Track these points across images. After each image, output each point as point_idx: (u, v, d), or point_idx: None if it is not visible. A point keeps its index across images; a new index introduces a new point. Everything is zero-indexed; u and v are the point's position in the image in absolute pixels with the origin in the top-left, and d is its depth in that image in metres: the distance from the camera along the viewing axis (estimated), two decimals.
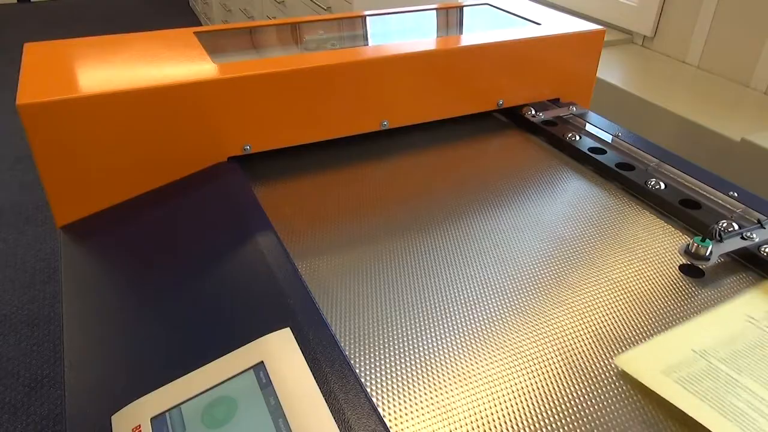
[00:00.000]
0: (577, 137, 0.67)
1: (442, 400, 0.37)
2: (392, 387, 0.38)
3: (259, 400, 0.34)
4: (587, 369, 0.40)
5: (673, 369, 0.38)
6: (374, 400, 0.37)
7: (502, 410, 0.37)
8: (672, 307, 0.45)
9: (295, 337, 0.37)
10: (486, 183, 0.61)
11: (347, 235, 0.52)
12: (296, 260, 0.49)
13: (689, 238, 0.53)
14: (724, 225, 0.52)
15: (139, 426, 0.34)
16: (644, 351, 0.40)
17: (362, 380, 0.38)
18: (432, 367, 0.39)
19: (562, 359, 0.40)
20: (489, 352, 0.41)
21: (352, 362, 0.39)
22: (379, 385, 0.38)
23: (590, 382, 0.39)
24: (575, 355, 0.41)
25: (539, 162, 0.65)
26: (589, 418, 0.36)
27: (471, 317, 0.43)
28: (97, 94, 0.51)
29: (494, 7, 0.85)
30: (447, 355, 0.40)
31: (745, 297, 0.45)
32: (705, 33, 0.98)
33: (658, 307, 0.45)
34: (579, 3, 1.22)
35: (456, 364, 0.40)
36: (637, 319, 0.44)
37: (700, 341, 0.40)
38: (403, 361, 0.40)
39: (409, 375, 0.39)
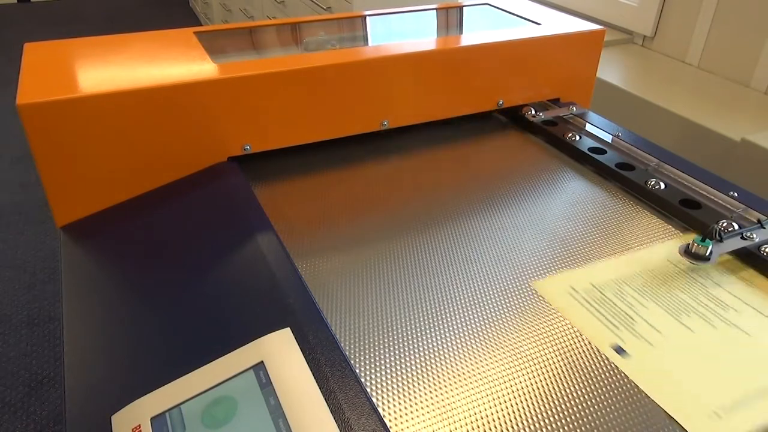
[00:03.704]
0: (577, 137, 0.67)
1: (442, 400, 0.37)
2: (392, 387, 0.38)
3: (259, 400, 0.34)
4: (587, 369, 0.40)
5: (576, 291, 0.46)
6: (374, 400, 0.37)
7: (502, 410, 0.37)
8: None
9: (295, 337, 0.37)
10: (486, 183, 0.61)
11: (347, 235, 0.52)
12: (296, 260, 0.49)
13: (689, 238, 0.53)
14: (724, 225, 0.52)
15: (139, 426, 0.34)
16: (557, 278, 0.48)
17: (362, 380, 0.38)
18: (432, 367, 0.39)
19: (562, 359, 0.40)
20: (489, 352, 0.41)
21: (352, 362, 0.39)
22: (379, 385, 0.38)
23: (590, 382, 0.39)
24: (575, 355, 0.41)
25: (539, 162, 0.65)
26: (589, 418, 0.36)
27: (471, 317, 0.43)
28: (97, 94, 0.51)
29: (494, 7, 0.85)
30: (447, 355, 0.40)
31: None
32: (705, 33, 0.98)
33: None
34: (579, 3, 1.22)
35: (456, 364, 0.40)
36: None
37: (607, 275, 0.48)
38: (403, 361, 0.40)
39: (409, 375, 0.39)
